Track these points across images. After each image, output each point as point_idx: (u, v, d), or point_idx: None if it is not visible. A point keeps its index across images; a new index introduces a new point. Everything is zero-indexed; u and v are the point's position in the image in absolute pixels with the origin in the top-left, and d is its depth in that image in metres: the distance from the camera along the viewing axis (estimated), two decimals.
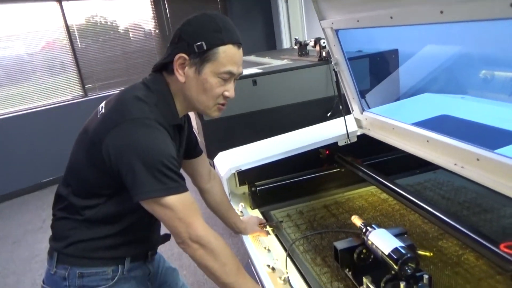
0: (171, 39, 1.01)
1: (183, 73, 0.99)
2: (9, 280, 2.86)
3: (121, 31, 5.10)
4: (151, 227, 1.15)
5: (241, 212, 1.61)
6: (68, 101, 4.74)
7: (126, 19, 5.09)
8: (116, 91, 1.05)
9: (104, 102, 1.04)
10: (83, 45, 4.79)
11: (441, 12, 0.91)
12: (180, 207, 0.92)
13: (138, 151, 0.89)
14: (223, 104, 1.06)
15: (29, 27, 4.42)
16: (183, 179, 0.96)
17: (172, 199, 0.91)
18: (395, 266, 0.89)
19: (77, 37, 4.73)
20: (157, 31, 5.30)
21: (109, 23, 5.01)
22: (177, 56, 0.97)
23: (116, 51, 5.04)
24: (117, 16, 5.01)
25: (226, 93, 1.02)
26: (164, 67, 1.03)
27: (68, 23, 4.62)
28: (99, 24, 4.94)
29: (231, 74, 0.99)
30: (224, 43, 0.96)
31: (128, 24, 5.13)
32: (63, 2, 4.53)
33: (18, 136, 4.37)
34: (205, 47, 0.95)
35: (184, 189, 0.94)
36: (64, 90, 4.77)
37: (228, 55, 0.97)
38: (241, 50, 1.01)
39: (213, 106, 1.04)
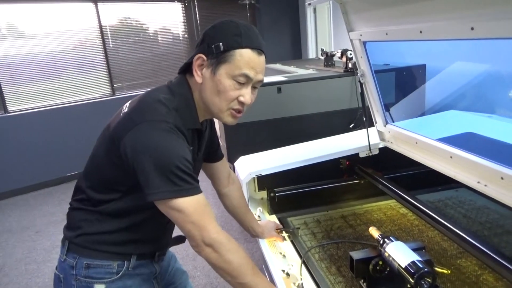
0: (196, 42, 1.03)
1: (201, 74, 1.00)
2: (30, 267, 2.96)
3: (151, 34, 5.23)
4: (162, 229, 1.15)
5: (259, 216, 1.62)
6: (96, 98, 4.89)
7: (156, 23, 5.23)
8: (142, 91, 1.09)
9: (129, 102, 1.06)
10: (114, 45, 4.95)
11: (472, 28, 0.91)
12: (193, 210, 0.93)
13: (153, 152, 0.90)
14: (239, 112, 1.04)
15: (64, 26, 4.59)
16: (197, 181, 0.97)
17: (185, 201, 0.92)
18: (411, 280, 0.89)
19: (109, 37, 4.88)
20: (186, 35, 5.42)
21: (140, 25, 5.15)
22: (196, 57, 0.99)
23: (145, 53, 5.17)
24: (148, 19, 5.15)
25: (241, 98, 1.00)
26: (188, 69, 1.05)
27: (102, 24, 4.78)
28: (130, 26, 5.09)
29: (247, 77, 0.98)
30: (241, 47, 0.96)
31: (158, 27, 5.27)
32: (98, 3, 4.70)
33: (46, 130, 4.52)
34: (222, 48, 0.95)
35: (197, 191, 0.94)
36: (93, 88, 4.91)
37: (245, 59, 0.96)
38: (261, 58, 1.00)
39: (226, 110, 1.02)
